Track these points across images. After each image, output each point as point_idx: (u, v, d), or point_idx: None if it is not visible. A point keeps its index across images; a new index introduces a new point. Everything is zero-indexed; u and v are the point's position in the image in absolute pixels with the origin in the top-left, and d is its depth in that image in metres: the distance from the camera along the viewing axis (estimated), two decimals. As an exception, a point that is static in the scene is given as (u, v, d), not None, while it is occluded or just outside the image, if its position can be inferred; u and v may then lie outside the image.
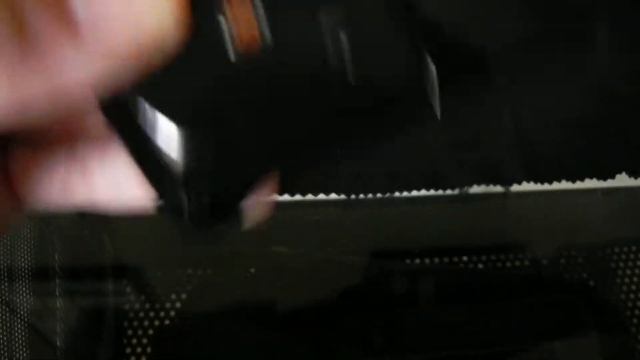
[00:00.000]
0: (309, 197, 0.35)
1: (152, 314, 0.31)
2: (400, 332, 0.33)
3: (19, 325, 0.29)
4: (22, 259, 0.31)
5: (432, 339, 0.33)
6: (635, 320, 0.33)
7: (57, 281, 0.32)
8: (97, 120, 0.18)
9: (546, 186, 0.37)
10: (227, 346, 0.31)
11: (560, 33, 0.43)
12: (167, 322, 0.30)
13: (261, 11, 0.15)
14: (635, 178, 0.37)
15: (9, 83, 0.13)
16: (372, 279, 0.35)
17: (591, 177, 0.37)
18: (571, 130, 0.39)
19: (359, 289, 0.35)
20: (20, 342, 0.29)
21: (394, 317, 0.33)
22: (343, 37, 0.15)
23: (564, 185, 0.37)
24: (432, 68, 0.16)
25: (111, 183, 0.20)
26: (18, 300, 0.30)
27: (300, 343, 0.32)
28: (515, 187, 0.36)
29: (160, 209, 0.17)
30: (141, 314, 0.31)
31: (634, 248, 0.35)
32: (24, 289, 0.31)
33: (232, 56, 0.14)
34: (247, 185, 0.17)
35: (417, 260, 0.36)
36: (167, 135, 0.15)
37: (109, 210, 0.20)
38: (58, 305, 0.31)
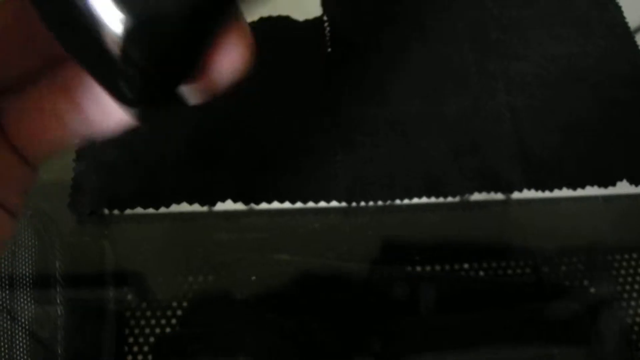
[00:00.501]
0: (310, 204, 0.35)
1: (153, 321, 0.31)
2: (400, 338, 0.33)
3: (20, 333, 0.29)
4: (23, 267, 0.31)
5: (432, 346, 0.33)
6: (636, 328, 0.33)
7: (57, 288, 0.32)
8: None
9: (547, 193, 0.37)
10: (227, 353, 0.31)
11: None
12: (168, 329, 0.30)
13: None
14: (636, 185, 0.37)
15: None
16: (373, 286, 0.35)
17: (592, 185, 0.37)
18: (572, 137, 0.39)
19: (360, 295, 0.35)
20: (21, 349, 0.29)
21: (394, 324, 0.33)
22: None
23: (565, 192, 0.37)
24: None
25: (99, 103, 0.20)
26: (19, 307, 0.30)
27: (301, 348, 0.32)
28: (516, 195, 0.36)
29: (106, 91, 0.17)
30: (142, 321, 0.31)
31: (635, 255, 0.35)
32: (24, 296, 0.31)
33: None
34: (185, 65, 0.17)
35: (418, 268, 0.36)
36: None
37: (102, 134, 0.20)
38: (59, 312, 0.31)
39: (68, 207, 0.33)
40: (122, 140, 0.36)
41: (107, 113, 0.19)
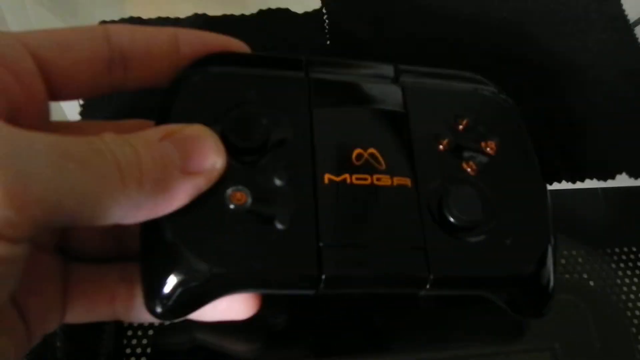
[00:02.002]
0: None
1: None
2: (397, 331, 0.33)
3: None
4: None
5: (432, 338, 0.33)
6: (635, 321, 0.33)
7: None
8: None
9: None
10: (226, 346, 0.31)
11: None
12: (167, 322, 0.30)
13: None
14: (636, 178, 0.37)
15: None
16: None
17: (591, 178, 0.37)
18: (572, 130, 0.39)
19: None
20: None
21: (392, 317, 0.33)
22: None
23: (564, 185, 0.37)
24: None
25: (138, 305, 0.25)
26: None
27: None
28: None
29: None
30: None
31: (634, 249, 0.35)
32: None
33: None
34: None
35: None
36: None
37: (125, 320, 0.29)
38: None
39: None
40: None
41: (140, 314, 0.24)
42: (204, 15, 0.42)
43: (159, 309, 0.22)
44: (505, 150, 0.27)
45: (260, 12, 0.42)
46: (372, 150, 0.25)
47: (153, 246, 0.22)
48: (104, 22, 0.41)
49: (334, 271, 0.23)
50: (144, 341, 0.30)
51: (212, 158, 0.21)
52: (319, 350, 0.31)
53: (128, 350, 0.29)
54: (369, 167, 0.25)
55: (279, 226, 0.22)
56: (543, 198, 0.27)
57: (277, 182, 0.23)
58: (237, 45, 0.26)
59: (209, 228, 0.21)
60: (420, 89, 0.28)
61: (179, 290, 0.21)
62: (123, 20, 0.41)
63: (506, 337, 0.33)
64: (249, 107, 0.24)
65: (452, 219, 0.24)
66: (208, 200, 0.21)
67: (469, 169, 0.26)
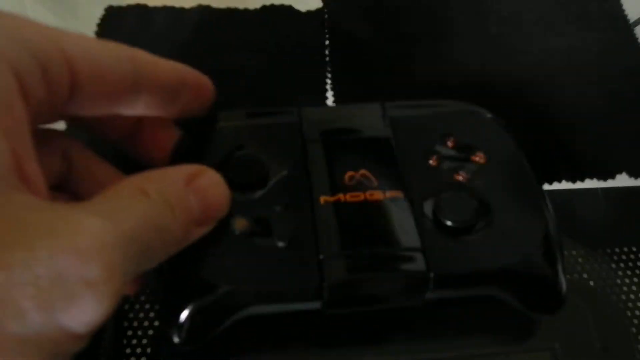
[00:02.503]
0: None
1: (151, 314, 0.31)
2: (396, 332, 0.33)
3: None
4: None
5: (432, 339, 0.33)
6: (635, 321, 0.33)
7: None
8: None
9: (546, 186, 0.37)
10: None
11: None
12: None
13: None
14: (636, 178, 0.37)
15: None
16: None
17: (592, 178, 0.37)
18: (572, 130, 0.39)
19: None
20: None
21: (392, 318, 0.33)
22: None
23: (564, 185, 0.37)
24: None
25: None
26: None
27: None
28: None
29: None
30: (141, 314, 0.31)
31: (634, 249, 0.35)
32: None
33: None
34: None
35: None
36: None
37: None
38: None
39: None
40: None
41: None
42: (208, 7, 0.42)
43: (177, 338, 0.24)
44: (495, 158, 0.28)
45: (264, 7, 0.43)
46: (363, 171, 0.27)
47: (164, 278, 0.24)
48: (110, 7, 0.42)
49: (336, 279, 0.24)
50: (144, 341, 0.30)
51: (223, 209, 0.24)
52: (319, 349, 0.31)
53: (128, 350, 0.29)
54: (361, 186, 0.26)
55: (280, 244, 0.24)
56: (537, 194, 0.28)
57: (277, 208, 0.25)
58: (205, 82, 0.28)
59: (215, 253, 0.24)
60: (407, 117, 0.29)
61: (193, 313, 0.23)
62: (129, 6, 0.42)
63: (506, 338, 0.33)
64: (249, 149, 0.27)
65: (446, 221, 0.25)
66: (214, 230, 0.24)
67: (460, 178, 0.27)
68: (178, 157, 0.28)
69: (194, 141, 0.28)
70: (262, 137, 0.28)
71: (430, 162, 0.28)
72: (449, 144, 0.29)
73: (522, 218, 0.27)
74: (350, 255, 0.24)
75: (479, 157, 0.28)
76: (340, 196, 0.26)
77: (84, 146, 0.27)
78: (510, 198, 0.27)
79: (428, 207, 0.26)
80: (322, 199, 0.26)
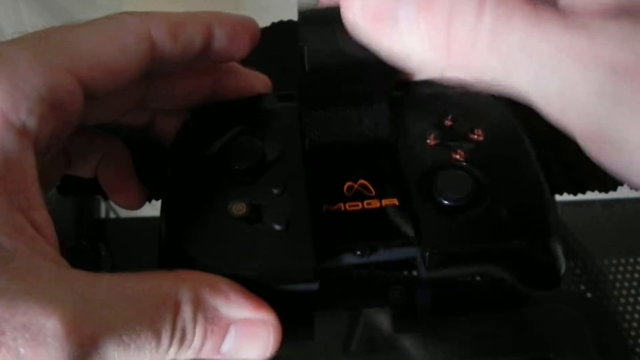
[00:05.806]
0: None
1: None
2: (392, 340, 0.33)
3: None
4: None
5: (428, 350, 0.33)
6: (632, 333, 0.33)
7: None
8: None
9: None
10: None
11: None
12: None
13: None
14: (637, 190, 0.37)
15: None
16: (370, 290, 0.35)
17: (593, 190, 0.36)
18: (571, 140, 0.39)
19: (356, 302, 0.35)
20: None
21: (388, 325, 0.33)
22: None
23: (564, 197, 0.37)
24: None
25: None
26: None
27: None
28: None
29: None
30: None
31: (631, 260, 0.35)
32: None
33: None
34: None
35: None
36: None
37: None
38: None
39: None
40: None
41: None
42: None
43: None
44: (494, 136, 0.28)
45: (273, 25, 0.42)
46: (362, 181, 0.27)
47: (169, 264, 0.24)
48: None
49: (331, 263, 0.25)
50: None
51: None
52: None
53: None
54: (360, 195, 0.27)
55: (277, 227, 0.24)
56: (537, 173, 0.28)
57: (275, 191, 0.26)
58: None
59: (214, 238, 0.24)
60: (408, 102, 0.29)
61: None
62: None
63: (503, 347, 0.33)
64: (246, 134, 0.27)
65: (443, 200, 0.25)
66: (212, 215, 0.24)
67: (457, 157, 0.27)
68: (183, 136, 0.28)
69: (199, 121, 0.28)
70: (259, 123, 0.28)
71: (428, 140, 0.28)
72: (447, 122, 0.29)
73: (521, 197, 0.27)
74: (346, 241, 0.25)
75: (477, 135, 0.28)
76: (341, 205, 0.26)
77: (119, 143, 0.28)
78: (509, 176, 0.27)
79: (423, 186, 0.26)
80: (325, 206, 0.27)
